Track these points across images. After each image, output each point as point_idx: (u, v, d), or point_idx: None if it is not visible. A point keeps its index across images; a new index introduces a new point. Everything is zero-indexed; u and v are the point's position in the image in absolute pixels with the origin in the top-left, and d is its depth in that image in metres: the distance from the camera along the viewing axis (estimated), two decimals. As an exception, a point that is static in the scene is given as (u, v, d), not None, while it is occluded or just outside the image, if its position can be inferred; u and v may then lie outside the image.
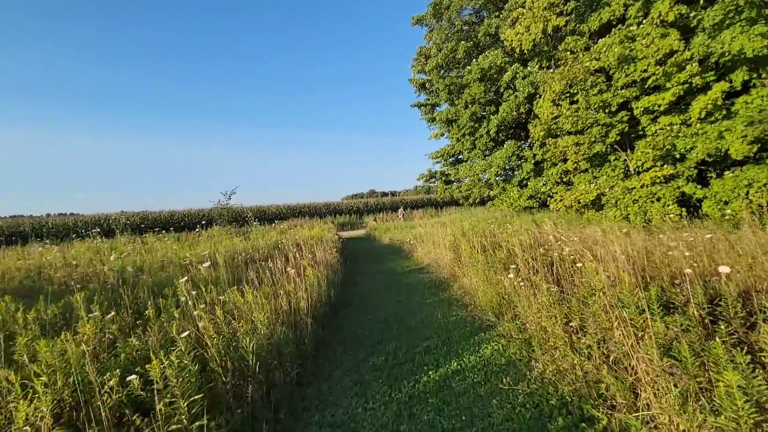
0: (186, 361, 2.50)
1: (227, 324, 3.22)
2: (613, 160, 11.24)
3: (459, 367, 3.45)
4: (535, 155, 15.24)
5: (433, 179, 23.47)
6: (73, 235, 16.06)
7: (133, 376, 2.30)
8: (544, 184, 15.14)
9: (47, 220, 24.51)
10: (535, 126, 13.29)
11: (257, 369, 2.79)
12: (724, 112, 8.90)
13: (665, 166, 9.37)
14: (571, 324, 3.34)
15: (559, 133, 12.84)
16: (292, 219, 31.04)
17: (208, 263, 3.65)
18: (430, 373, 3.38)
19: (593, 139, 10.68)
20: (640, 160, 10.05)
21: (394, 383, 3.27)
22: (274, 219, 32.58)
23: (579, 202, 11.89)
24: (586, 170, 12.77)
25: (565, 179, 14.32)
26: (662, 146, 9.01)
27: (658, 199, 9.30)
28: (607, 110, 10.70)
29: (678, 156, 9.15)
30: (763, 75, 8.26)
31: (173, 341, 2.87)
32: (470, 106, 17.13)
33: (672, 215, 8.81)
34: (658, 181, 9.40)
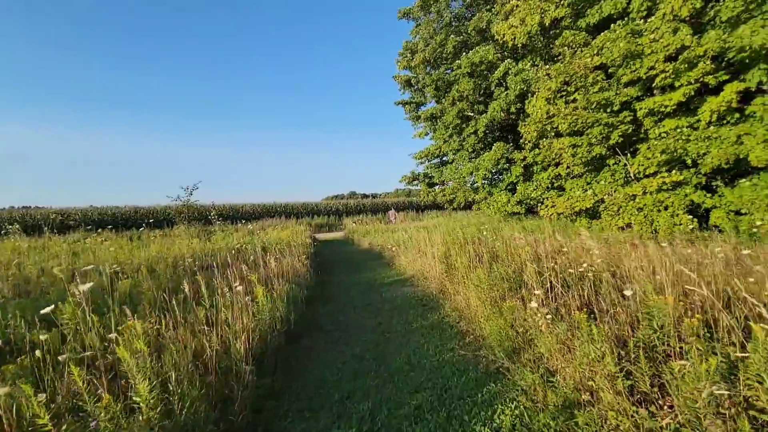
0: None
1: (94, 392, 1.94)
2: (613, 165, 10.41)
3: (469, 451, 2.28)
4: (525, 158, 14.36)
5: (416, 181, 22.38)
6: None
7: None
8: (534, 189, 14.27)
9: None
10: (528, 125, 12.40)
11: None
12: (737, 115, 8.17)
13: (673, 171, 8.54)
14: (637, 387, 2.23)
15: (553, 134, 11.97)
16: (266, 219, 29.51)
17: (89, 285, 2.35)
18: (426, 462, 2.20)
19: (593, 141, 9.80)
20: (642, 164, 9.23)
21: (369, 485, 2.07)
22: (248, 218, 30.97)
23: (573, 209, 11.02)
24: (581, 175, 11.95)
25: (556, 184, 13.48)
26: (673, 150, 8.18)
27: (666, 208, 8.46)
28: (608, 110, 9.85)
29: (690, 162, 8.32)
30: (784, 74, 7.51)
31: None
32: (458, 103, 16.14)
33: (682, 226, 7.98)
34: (665, 188, 8.58)
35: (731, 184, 8.64)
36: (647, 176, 9.40)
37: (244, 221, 29.84)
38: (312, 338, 4.42)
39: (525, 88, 13.55)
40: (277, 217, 30.65)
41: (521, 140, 14.21)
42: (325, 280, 7.99)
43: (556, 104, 11.20)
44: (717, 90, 8.56)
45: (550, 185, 13.66)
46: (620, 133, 9.43)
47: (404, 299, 6.01)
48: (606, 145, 9.93)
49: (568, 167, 11.92)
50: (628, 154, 10.15)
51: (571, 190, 11.87)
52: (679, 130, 8.41)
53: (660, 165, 8.86)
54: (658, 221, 8.42)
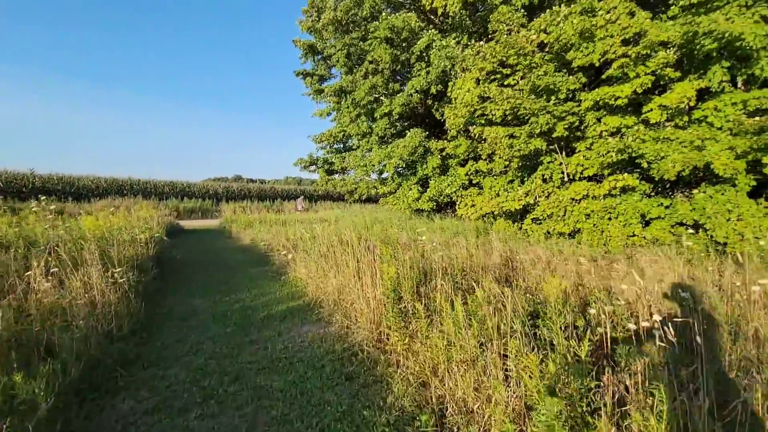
0: None
1: None
2: (547, 162, 9.14)
3: None
4: (443, 149, 12.61)
5: (314, 166, 19.25)
6: None
7: None
8: (448, 185, 12.64)
9: None
10: (456, 109, 10.59)
11: None
12: (686, 118, 7.44)
13: (626, 174, 7.44)
14: None
15: (483, 122, 10.34)
16: (114, 198, 23.04)
17: None
18: None
19: (536, 132, 8.31)
20: (581, 164, 8.05)
21: None
22: (89, 196, 23.95)
23: (502, 209, 9.51)
24: (505, 172, 10.60)
25: (474, 181, 11.99)
26: (635, 149, 7.01)
27: (617, 216, 7.32)
28: (553, 97, 8.47)
29: (645, 165, 7.25)
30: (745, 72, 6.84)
31: None
32: (371, 77, 13.66)
33: (636, 238, 6.86)
34: (614, 192, 7.44)
35: (671, 193, 7.99)
36: (582, 179, 8.32)
37: (85, 199, 22.77)
38: None
39: (449, 66, 11.74)
40: (131, 197, 24.28)
41: (443, 127, 12.45)
42: (163, 309, 4.63)
43: (488, 87, 9.54)
44: (661, 90, 7.83)
45: (467, 182, 12.17)
46: (566, 126, 8.09)
47: (311, 361, 3.21)
48: (546, 139, 8.58)
49: (488, 162, 10.50)
50: (563, 153, 9.00)
51: (491, 188, 10.43)
52: (635, 128, 7.29)
53: (603, 167, 7.75)
54: (609, 230, 7.22)
